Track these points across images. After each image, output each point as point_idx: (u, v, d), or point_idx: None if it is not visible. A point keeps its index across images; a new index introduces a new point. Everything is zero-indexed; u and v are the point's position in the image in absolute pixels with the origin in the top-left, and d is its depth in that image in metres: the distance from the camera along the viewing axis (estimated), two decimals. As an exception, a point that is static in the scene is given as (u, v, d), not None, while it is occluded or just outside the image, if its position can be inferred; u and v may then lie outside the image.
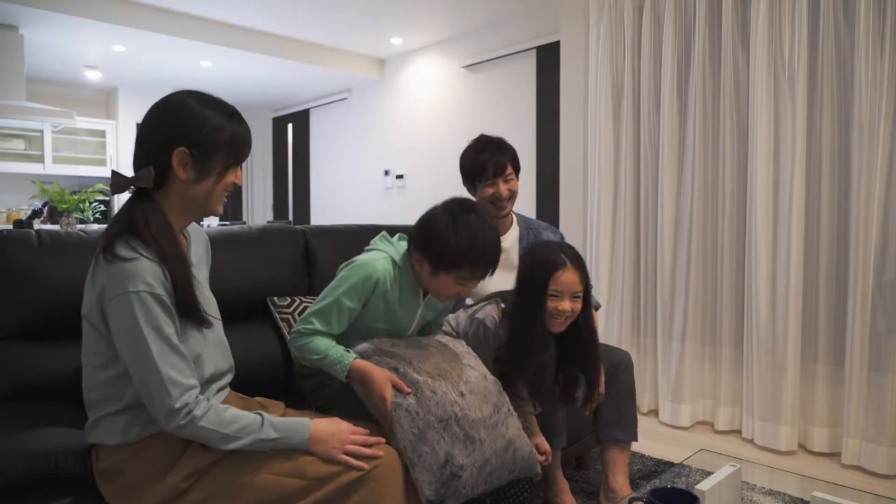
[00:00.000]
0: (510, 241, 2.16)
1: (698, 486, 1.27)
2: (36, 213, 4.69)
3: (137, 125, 1.16)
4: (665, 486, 1.22)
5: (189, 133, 1.17)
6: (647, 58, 3.04)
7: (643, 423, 2.99)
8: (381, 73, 6.04)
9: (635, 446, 2.64)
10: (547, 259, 1.65)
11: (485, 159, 2.00)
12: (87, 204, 4.81)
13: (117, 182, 1.18)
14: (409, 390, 1.31)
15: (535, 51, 4.64)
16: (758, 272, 2.66)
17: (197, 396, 1.14)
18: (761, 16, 2.62)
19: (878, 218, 2.37)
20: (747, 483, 2.15)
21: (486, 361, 1.62)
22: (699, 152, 2.87)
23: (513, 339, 1.66)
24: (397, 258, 1.54)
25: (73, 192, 4.69)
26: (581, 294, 1.65)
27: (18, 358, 1.47)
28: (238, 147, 1.22)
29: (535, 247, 1.77)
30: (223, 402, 1.30)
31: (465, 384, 1.37)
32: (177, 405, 1.11)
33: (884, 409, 2.35)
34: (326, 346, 1.44)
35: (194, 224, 1.36)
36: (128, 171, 1.24)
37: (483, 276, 1.48)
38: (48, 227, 5.38)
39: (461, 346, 1.54)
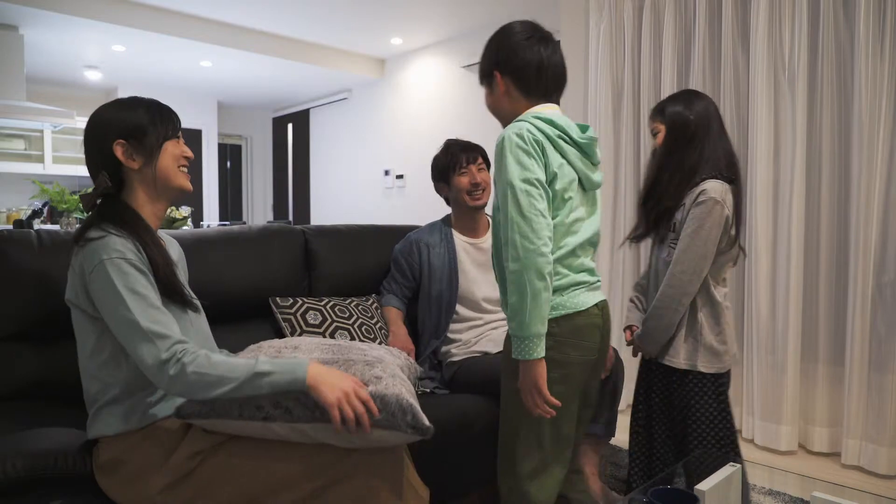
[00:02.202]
0: (489, 242, 2.16)
1: (698, 486, 1.27)
2: (36, 213, 4.68)
3: (85, 151, 1.30)
4: (665, 486, 1.22)
5: (114, 127, 1.25)
6: (647, 58, 3.04)
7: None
8: (381, 73, 6.04)
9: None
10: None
11: (457, 152, 2.16)
12: (87, 204, 4.81)
13: (86, 201, 1.26)
14: None
15: (535, 51, 4.63)
16: (758, 272, 2.66)
17: (186, 348, 1.13)
18: (761, 16, 2.62)
19: (878, 218, 2.37)
20: (747, 483, 2.15)
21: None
22: (699, 152, 2.87)
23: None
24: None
25: (73, 192, 4.68)
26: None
27: (18, 358, 1.47)
28: (161, 117, 1.28)
29: (685, 98, 1.78)
30: None
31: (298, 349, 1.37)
32: (164, 356, 1.10)
33: (884, 410, 2.35)
34: None
35: (165, 233, 1.44)
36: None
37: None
38: (48, 227, 5.38)
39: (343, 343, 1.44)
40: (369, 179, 6.31)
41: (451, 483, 1.77)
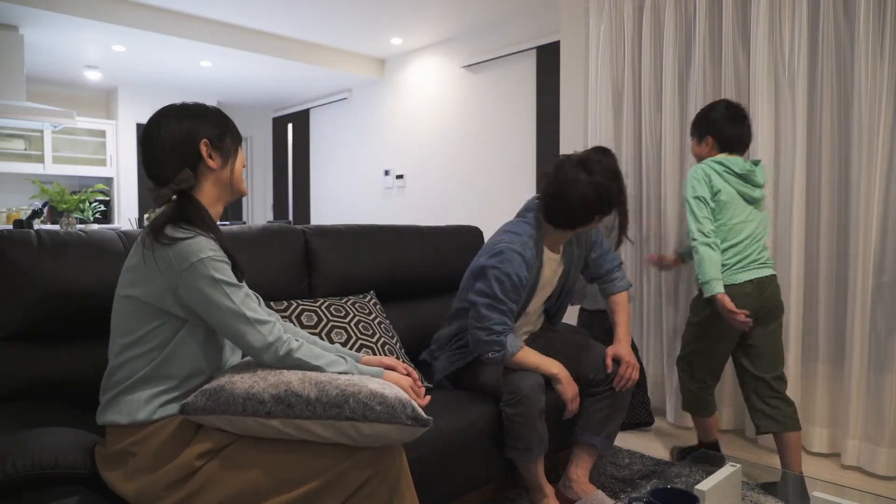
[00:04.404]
0: (558, 254, 2.04)
1: (698, 486, 1.27)
2: (36, 213, 4.68)
3: (154, 149, 1.29)
4: (665, 486, 1.22)
5: (202, 126, 1.31)
6: (647, 58, 3.04)
7: (643, 423, 2.99)
8: (381, 73, 6.05)
9: (637, 446, 2.65)
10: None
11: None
12: (87, 204, 4.82)
13: (159, 195, 1.28)
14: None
15: (535, 51, 4.64)
16: (758, 272, 2.65)
17: (288, 336, 1.29)
18: (761, 16, 2.62)
19: (878, 218, 2.37)
20: (747, 483, 2.16)
21: None
22: (699, 152, 2.87)
23: None
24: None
25: (73, 192, 4.69)
26: None
27: (19, 358, 1.47)
28: (232, 126, 1.38)
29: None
30: None
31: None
32: (270, 339, 1.26)
33: (883, 410, 2.35)
34: None
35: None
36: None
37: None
38: (48, 227, 5.38)
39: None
40: (369, 179, 6.31)
41: (451, 483, 1.77)
